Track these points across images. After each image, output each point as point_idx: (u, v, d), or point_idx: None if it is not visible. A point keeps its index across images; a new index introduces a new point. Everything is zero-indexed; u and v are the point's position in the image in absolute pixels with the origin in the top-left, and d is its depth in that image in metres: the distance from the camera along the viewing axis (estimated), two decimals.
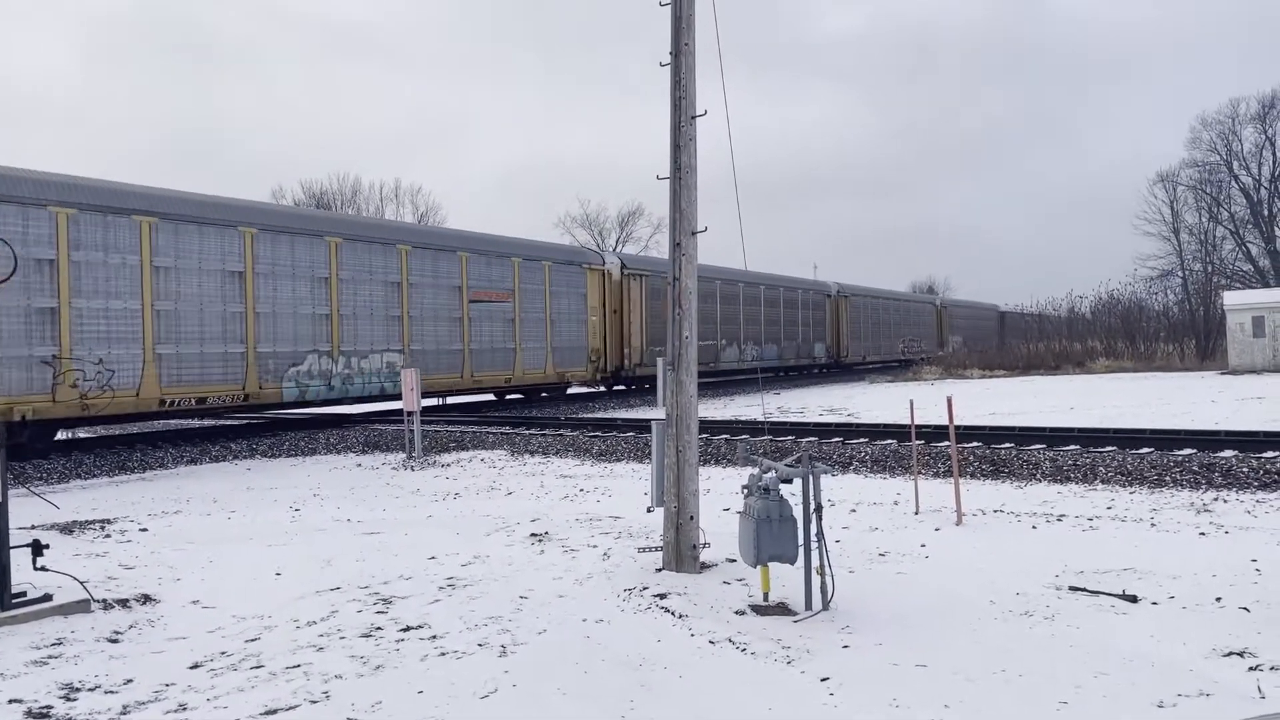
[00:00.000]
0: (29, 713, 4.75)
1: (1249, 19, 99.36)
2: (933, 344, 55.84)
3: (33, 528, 9.46)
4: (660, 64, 7.78)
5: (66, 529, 9.88)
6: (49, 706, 4.84)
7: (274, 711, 4.72)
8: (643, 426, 18.81)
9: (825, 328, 44.06)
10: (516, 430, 19.60)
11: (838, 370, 45.05)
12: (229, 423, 22.28)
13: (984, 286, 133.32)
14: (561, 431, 18.97)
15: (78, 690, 5.08)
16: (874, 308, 49.48)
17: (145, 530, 9.97)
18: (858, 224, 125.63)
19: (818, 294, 43.62)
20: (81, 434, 21.74)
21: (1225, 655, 5.22)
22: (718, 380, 36.60)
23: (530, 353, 25.76)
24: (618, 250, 29.36)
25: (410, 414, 16.80)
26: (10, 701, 4.90)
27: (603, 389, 31.25)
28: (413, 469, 15.24)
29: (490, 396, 27.94)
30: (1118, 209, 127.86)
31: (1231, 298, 36.79)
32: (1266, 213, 63.13)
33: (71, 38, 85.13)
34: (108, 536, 9.59)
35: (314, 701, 4.85)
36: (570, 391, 29.90)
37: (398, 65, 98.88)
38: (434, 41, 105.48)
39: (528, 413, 25.32)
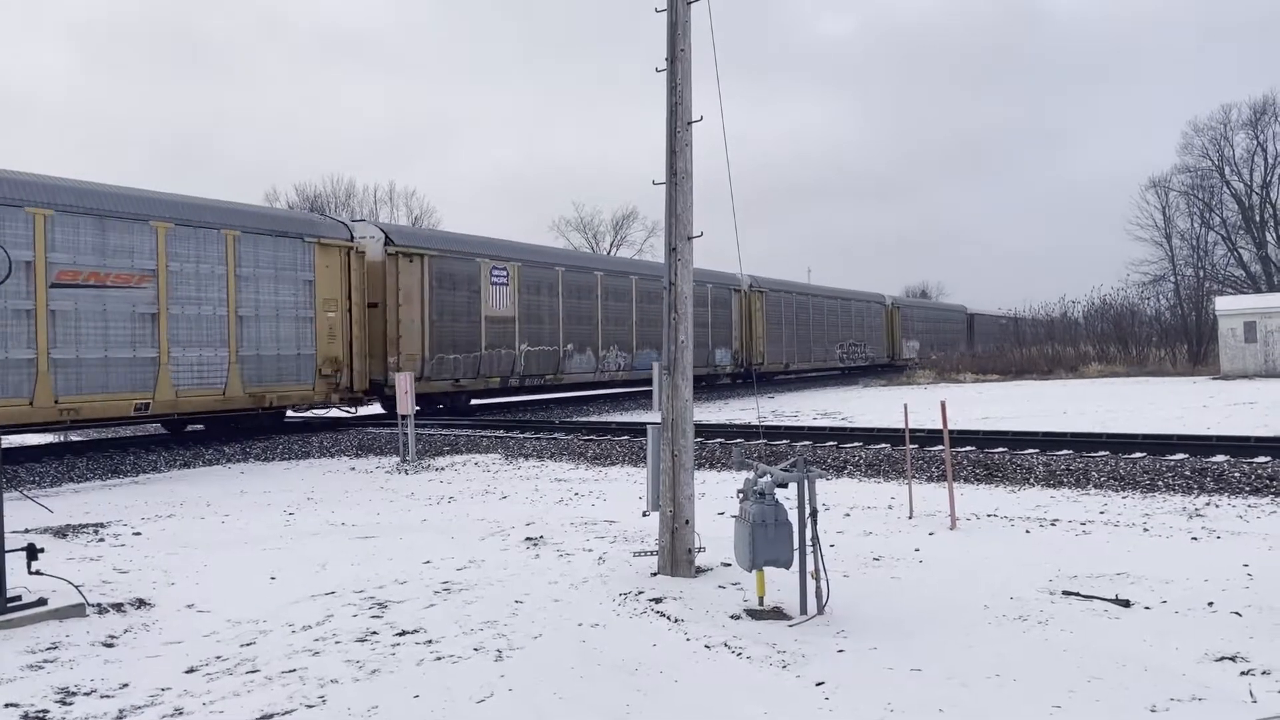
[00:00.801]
0: (25, 716, 4.75)
1: (1242, 25, 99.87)
2: (881, 350, 49.74)
3: (25, 531, 9.43)
4: (656, 69, 7.82)
5: (60, 533, 9.86)
6: (45, 710, 4.83)
7: (270, 716, 4.72)
8: (637, 430, 18.83)
9: (732, 329, 35.97)
10: (510, 434, 19.59)
11: (746, 383, 35.72)
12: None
13: (978, 291, 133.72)
14: (556, 435, 18.97)
15: (74, 694, 5.07)
16: (800, 306, 41.61)
17: (139, 534, 9.95)
18: (851, 229, 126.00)
19: (720, 287, 34.92)
20: (73, 437, 21.68)
21: (1218, 660, 5.25)
22: (566, 396, 30.84)
23: (191, 366, 17.10)
24: (383, 221, 21.48)
25: (404, 418, 16.79)
26: (6, 705, 4.89)
27: (346, 412, 22.25)
28: (406, 473, 15.23)
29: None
30: (1110, 214, 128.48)
31: (1223, 303, 36.99)
32: (1258, 218, 63.45)
33: (62, 42, 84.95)
34: (101, 540, 9.57)
35: (310, 706, 4.85)
36: (292, 417, 21.40)
37: (389, 71, 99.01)
38: (424, 47, 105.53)
39: (522, 417, 25.31)
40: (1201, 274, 57.84)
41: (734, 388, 36.17)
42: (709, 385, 34.69)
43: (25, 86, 77.42)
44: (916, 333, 55.12)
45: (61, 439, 20.72)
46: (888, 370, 48.08)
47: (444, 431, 20.37)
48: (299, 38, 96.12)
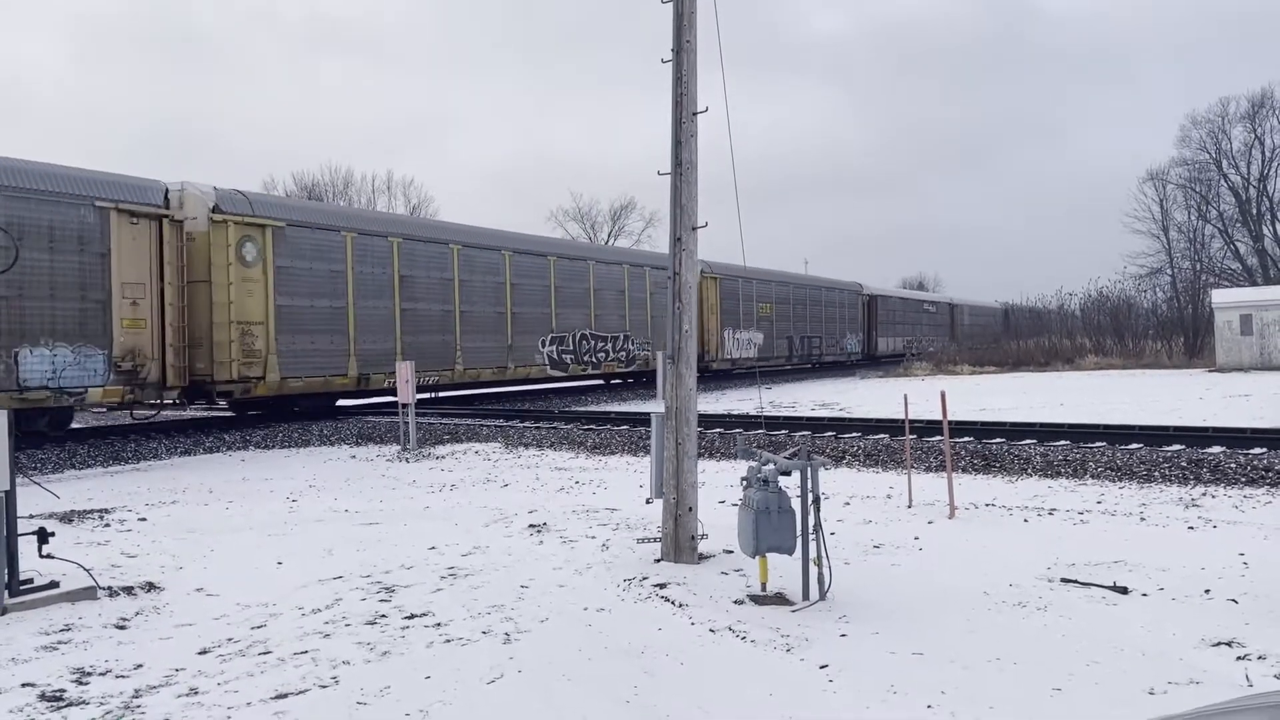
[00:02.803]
0: (42, 696, 4.82)
1: (1239, 17, 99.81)
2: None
3: (31, 517, 9.47)
4: (662, 60, 7.86)
5: (66, 518, 9.93)
6: (62, 690, 4.91)
7: (284, 695, 4.80)
8: (636, 420, 18.93)
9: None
10: (510, 423, 19.68)
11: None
12: (222, 414, 22.20)
13: (975, 284, 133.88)
14: (555, 425, 19.06)
15: (89, 674, 5.15)
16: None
17: (144, 520, 10.02)
18: (845, 222, 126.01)
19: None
20: (75, 424, 21.73)
21: (1214, 645, 5.35)
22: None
23: None
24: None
25: (405, 406, 16.86)
26: (24, 685, 4.97)
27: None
28: (408, 461, 15.31)
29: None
30: (1108, 207, 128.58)
31: (1220, 296, 37.08)
32: (1255, 211, 63.57)
33: (57, 30, 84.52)
34: (107, 526, 9.64)
35: (323, 686, 4.93)
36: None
37: (384, 61, 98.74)
38: (419, 38, 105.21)
39: (521, 405, 25.35)
40: (1198, 267, 58.02)
41: (731, 378, 36.25)
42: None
43: (13, 71, 77.04)
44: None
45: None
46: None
47: (444, 420, 20.45)
48: (290, 28, 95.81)
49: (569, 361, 27.35)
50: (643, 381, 31.30)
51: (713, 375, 34.33)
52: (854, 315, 47.33)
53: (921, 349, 49.54)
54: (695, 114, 7.76)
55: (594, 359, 28.48)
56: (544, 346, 26.23)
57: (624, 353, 29.83)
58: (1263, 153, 62.73)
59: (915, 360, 44.49)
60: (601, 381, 31.53)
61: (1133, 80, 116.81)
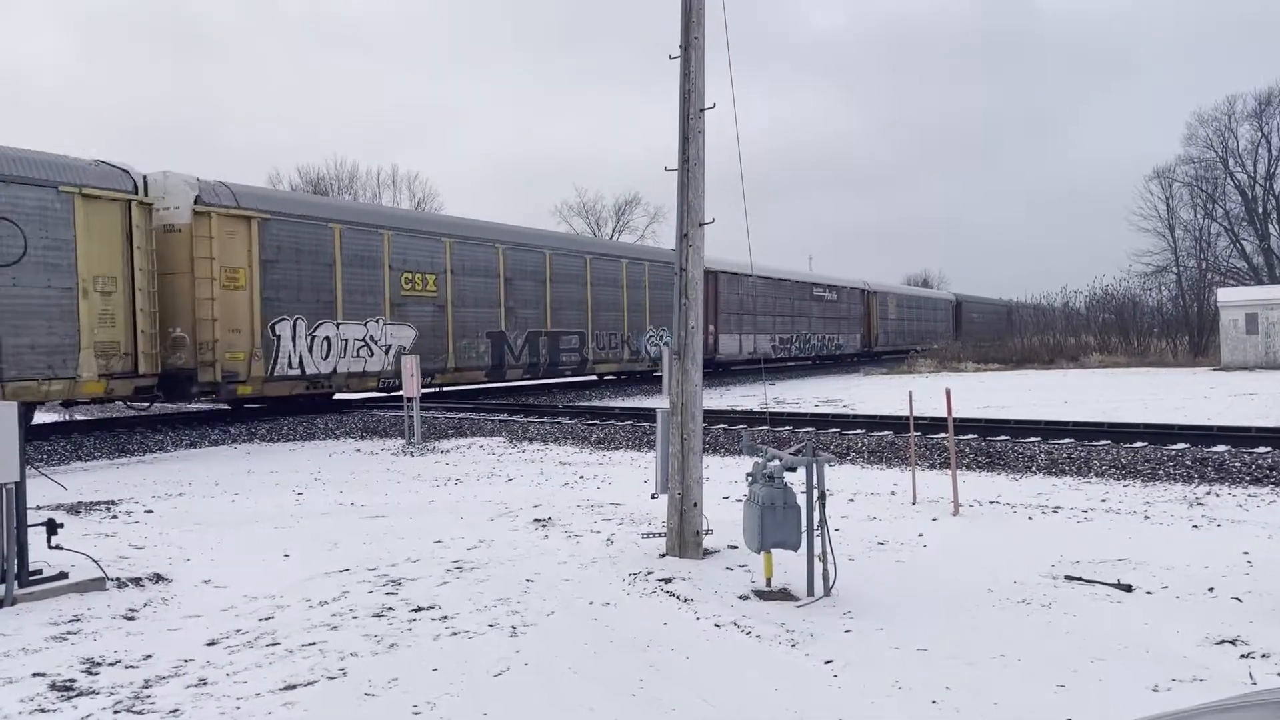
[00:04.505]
0: (53, 685, 4.86)
1: (1246, 15, 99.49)
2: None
3: (39, 508, 9.52)
4: (670, 56, 7.87)
5: (74, 509, 9.97)
6: (72, 680, 4.95)
7: (293, 687, 4.83)
8: (639, 415, 18.95)
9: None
10: (514, 418, 19.72)
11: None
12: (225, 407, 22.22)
13: (979, 281, 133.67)
14: (559, 420, 19.09)
15: (98, 664, 5.18)
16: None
17: (151, 512, 10.06)
18: (848, 219, 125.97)
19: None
20: (78, 415, 21.80)
21: (1218, 643, 5.37)
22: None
23: None
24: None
25: (410, 400, 16.89)
26: (34, 675, 5.00)
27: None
28: (412, 455, 15.34)
29: None
30: (1114, 205, 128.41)
31: (1225, 294, 37.04)
32: (1261, 210, 63.45)
33: (64, 22, 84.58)
34: (114, 518, 9.68)
35: (331, 678, 4.96)
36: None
37: (386, 57, 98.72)
38: (421, 33, 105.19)
39: (526, 401, 25.37)
40: (1204, 265, 57.89)
41: (734, 374, 36.30)
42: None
43: (20, 64, 77.07)
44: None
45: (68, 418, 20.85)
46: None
47: (447, 415, 20.50)
48: (290, 26, 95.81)
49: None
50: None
51: (715, 371, 34.25)
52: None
53: (926, 346, 49.44)
54: (703, 110, 7.76)
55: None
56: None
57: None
58: (1269, 151, 62.68)
59: (919, 357, 44.46)
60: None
61: (1139, 77, 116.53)
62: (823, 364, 44.21)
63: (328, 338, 19.84)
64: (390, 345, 21.20)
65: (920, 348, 48.84)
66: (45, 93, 78.58)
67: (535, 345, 26.05)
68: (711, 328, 33.87)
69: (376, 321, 20.98)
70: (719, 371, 35.40)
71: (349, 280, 20.30)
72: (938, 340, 52.02)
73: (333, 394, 21.39)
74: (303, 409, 21.02)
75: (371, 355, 20.77)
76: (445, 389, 24.68)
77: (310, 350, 19.45)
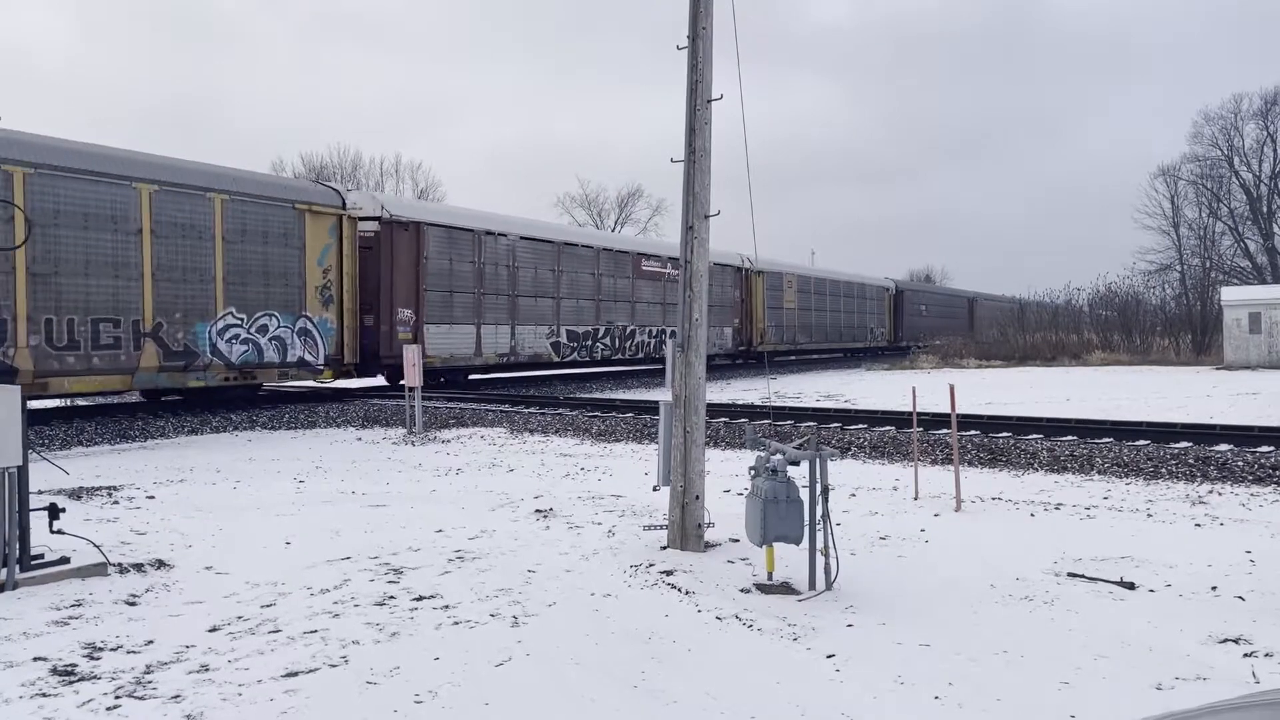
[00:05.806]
0: (54, 670, 4.86)
1: (1253, 14, 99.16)
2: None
3: (40, 493, 9.53)
4: (677, 47, 7.83)
5: (75, 495, 9.97)
6: (73, 665, 4.94)
7: (294, 674, 4.83)
8: (641, 408, 18.94)
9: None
10: (515, 409, 19.69)
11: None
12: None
13: (981, 278, 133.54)
14: (560, 411, 19.07)
15: (100, 650, 5.18)
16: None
17: (153, 498, 10.06)
18: (852, 214, 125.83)
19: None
20: (80, 401, 21.80)
21: (1221, 641, 5.36)
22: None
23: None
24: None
25: (411, 389, 16.89)
26: (35, 659, 5.00)
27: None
28: (414, 444, 15.34)
29: None
30: (1119, 202, 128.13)
31: (1229, 293, 36.97)
32: (1266, 209, 63.26)
33: (63, 6, 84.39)
34: (116, 503, 9.68)
35: (333, 665, 4.96)
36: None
37: (389, 47, 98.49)
38: (427, 22, 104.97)
39: (527, 392, 25.38)
40: (1208, 264, 57.78)
41: (735, 368, 36.25)
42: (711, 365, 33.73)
43: (22, 43, 76.92)
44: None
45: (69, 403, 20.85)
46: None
47: (449, 405, 20.48)
48: (295, 11, 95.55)
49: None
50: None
51: (717, 367, 34.51)
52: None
53: (948, 339, 50.02)
54: (710, 101, 7.73)
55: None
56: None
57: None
58: (1275, 150, 62.46)
59: (921, 353, 44.41)
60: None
61: (1145, 75, 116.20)
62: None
63: None
64: None
65: (938, 341, 49.33)
66: (47, 70, 78.34)
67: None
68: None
69: None
70: (716, 366, 35.37)
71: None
72: (958, 335, 52.81)
73: None
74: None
75: None
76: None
77: None
